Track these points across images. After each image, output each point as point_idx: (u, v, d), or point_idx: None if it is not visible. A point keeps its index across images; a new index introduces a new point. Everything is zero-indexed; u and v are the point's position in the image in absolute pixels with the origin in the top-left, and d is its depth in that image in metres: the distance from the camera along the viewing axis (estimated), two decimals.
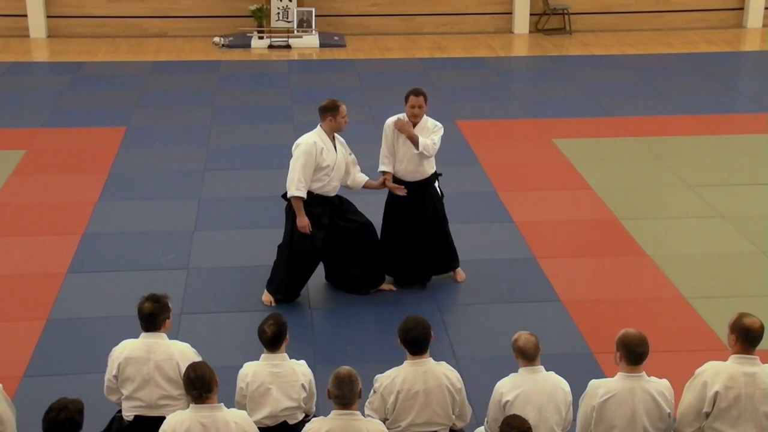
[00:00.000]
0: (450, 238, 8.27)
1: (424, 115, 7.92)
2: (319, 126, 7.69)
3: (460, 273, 8.38)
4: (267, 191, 10.17)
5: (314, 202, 7.68)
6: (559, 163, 11.27)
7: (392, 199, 8.10)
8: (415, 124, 7.88)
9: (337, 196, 7.87)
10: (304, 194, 7.57)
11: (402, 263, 8.18)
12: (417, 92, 7.83)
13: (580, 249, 9.10)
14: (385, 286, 8.17)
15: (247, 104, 13.72)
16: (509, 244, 9.09)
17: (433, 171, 8.07)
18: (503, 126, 12.79)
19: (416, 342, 5.52)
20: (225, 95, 14.13)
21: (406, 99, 7.86)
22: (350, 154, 7.92)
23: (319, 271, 8.11)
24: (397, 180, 8.00)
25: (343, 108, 7.64)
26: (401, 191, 7.92)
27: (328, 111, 7.61)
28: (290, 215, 7.76)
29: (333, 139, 7.72)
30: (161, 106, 13.58)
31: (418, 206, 8.02)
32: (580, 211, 9.93)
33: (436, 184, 8.12)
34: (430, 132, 7.89)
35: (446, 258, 8.29)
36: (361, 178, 7.98)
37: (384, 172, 7.98)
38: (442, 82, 14.60)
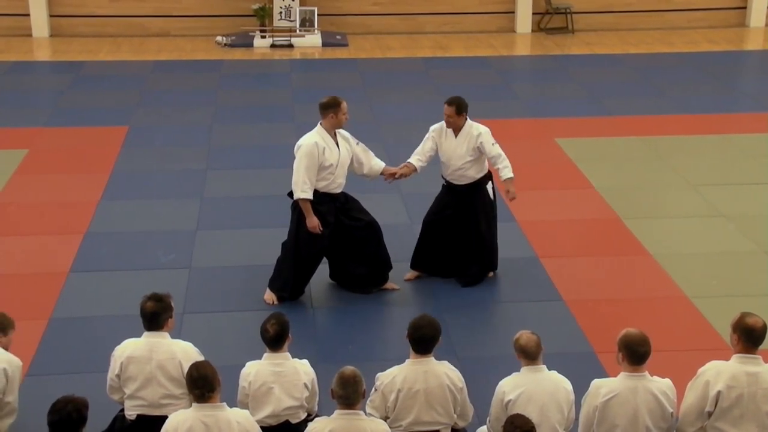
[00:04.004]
0: (494, 241, 8.26)
1: (468, 121, 7.95)
2: (319, 124, 7.67)
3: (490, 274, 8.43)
4: (269, 190, 10.19)
5: (320, 200, 7.68)
6: (561, 163, 11.27)
7: (444, 194, 8.17)
8: (456, 131, 7.95)
9: (343, 194, 7.87)
10: (310, 195, 7.57)
11: (436, 258, 8.22)
12: (449, 101, 7.92)
13: (583, 248, 9.10)
14: (389, 285, 8.17)
15: (249, 103, 13.72)
16: (512, 243, 9.07)
17: (482, 174, 8.08)
18: (505, 125, 12.74)
19: (422, 341, 5.52)
20: (227, 94, 14.13)
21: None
22: (358, 143, 7.90)
23: (322, 270, 8.11)
24: (448, 183, 8.11)
25: (344, 104, 7.63)
26: (390, 179, 8.01)
27: (330, 108, 7.60)
28: (296, 213, 7.75)
29: (335, 135, 7.71)
30: (163, 105, 13.58)
31: (466, 206, 8.07)
32: (582, 211, 9.93)
33: (490, 186, 8.15)
34: (474, 139, 7.89)
35: (487, 260, 8.26)
36: (378, 165, 7.97)
37: (409, 163, 8.03)
38: (443, 82, 14.58)
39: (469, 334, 7.55)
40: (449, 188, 8.14)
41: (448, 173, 8.07)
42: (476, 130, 7.93)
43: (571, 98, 13.97)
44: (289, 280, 7.87)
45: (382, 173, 8.01)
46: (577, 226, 9.58)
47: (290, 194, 7.74)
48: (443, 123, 8.01)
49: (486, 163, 8.11)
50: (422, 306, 7.69)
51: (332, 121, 7.62)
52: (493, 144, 7.92)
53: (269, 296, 7.95)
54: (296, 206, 7.74)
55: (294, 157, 7.64)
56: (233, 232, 9.34)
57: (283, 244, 7.93)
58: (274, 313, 5.82)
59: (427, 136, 8.09)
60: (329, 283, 8.24)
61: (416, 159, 8.04)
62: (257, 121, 12.87)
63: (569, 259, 8.82)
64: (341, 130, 7.80)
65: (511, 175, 7.93)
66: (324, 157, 7.57)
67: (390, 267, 8.13)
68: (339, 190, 7.80)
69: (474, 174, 8.04)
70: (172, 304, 5.79)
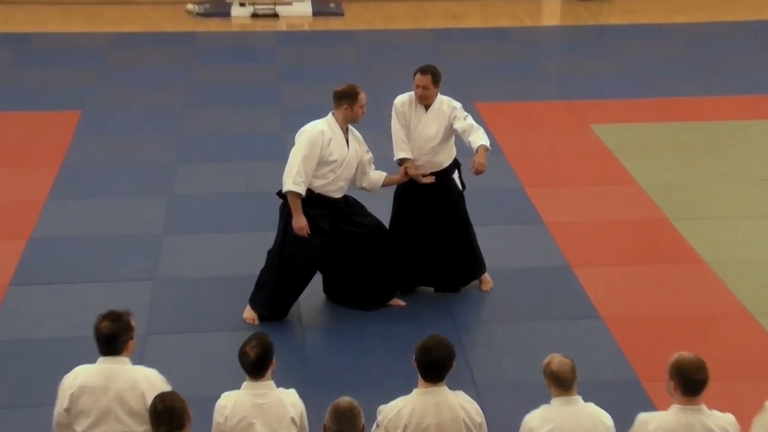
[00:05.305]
0: (474, 240, 8.29)
1: (439, 95, 7.94)
2: (330, 114, 7.72)
3: (487, 280, 8.41)
4: (250, 187, 10.20)
5: (313, 202, 7.68)
6: (597, 153, 11.27)
7: (403, 193, 8.13)
8: (427, 107, 7.91)
9: (344, 197, 7.88)
10: (302, 190, 7.57)
11: (413, 270, 8.22)
12: (423, 70, 7.90)
13: (624, 255, 9.09)
14: (394, 302, 8.18)
15: (227, 84, 13.73)
16: (538, 249, 9.08)
17: (451, 161, 8.09)
18: (531, 109, 12.78)
19: (434, 365, 5.48)
20: (200, 73, 14.15)
21: (414, 77, 7.90)
22: (367, 152, 7.95)
23: (314, 282, 8.08)
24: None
25: (363, 96, 7.68)
26: (428, 179, 7.95)
27: (345, 98, 7.64)
28: (284, 216, 7.76)
29: (346, 131, 7.74)
30: (124, 85, 13.59)
31: (434, 203, 8.05)
32: (623, 211, 9.92)
33: (456, 175, 8.13)
34: (447, 117, 7.90)
35: (470, 264, 8.31)
36: (377, 176, 8.01)
37: (403, 160, 7.99)
38: (457, 58, 14.59)
39: (489, 357, 7.54)
40: (409, 182, 8.06)
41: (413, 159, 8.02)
42: (449, 104, 7.96)
43: (610, 77, 13.96)
44: (270, 295, 7.87)
45: (385, 184, 8.05)
46: (618, 229, 9.56)
47: (280, 193, 7.74)
48: (411, 96, 7.99)
49: (454, 147, 8.12)
50: (433, 324, 7.64)
51: (345, 114, 7.67)
52: (466, 117, 7.93)
53: (249, 314, 7.94)
54: (285, 208, 7.73)
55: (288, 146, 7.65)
56: (208, 237, 9.33)
57: (269, 253, 7.93)
58: (256, 333, 5.79)
59: (394, 114, 8.03)
60: (322, 298, 8.22)
61: (407, 148, 7.98)
62: (236, 105, 12.86)
63: (608, 268, 8.82)
64: (355, 130, 7.85)
65: (488, 142, 7.85)
66: (328, 149, 7.60)
67: (398, 280, 8.15)
68: (339, 195, 7.81)
69: (442, 160, 8.04)
70: (133, 323, 5.74)
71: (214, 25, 16.55)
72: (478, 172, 7.79)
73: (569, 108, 12.73)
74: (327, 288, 8.21)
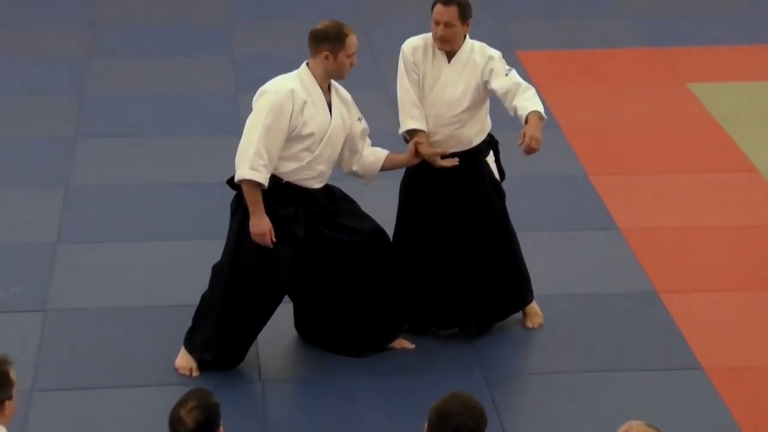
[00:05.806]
0: (517, 254, 8.33)
1: (468, 40, 7.97)
2: (305, 65, 7.75)
3: (535, 313, 8.45)
4: (187, 174, 10.31)
5: (282, 196, 7.71)
6: (697, 125, 11.35)
7: (413, 183, 8.19)
8: (450, 56, 7.94)
9: (327, 188, 7.91)
10: (263, 178, 7.58)
11: (426, 298, 8.25)
12: (446, 0, 7.88)
13: (735, 277, 9.15)
14: (398, 343, 8.22)
15: (153, 23, 13.83)
16: (611, 266, 9.16)
17: (483, 137, 8.12)
18: (600, 61, 12.81)
19: None
20: (113, 7, 14.26)
21: (432, 11, 7.92)
22: (360, 120, 7.98)
23: (281, 313, 8.10)
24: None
25: (353, 39, 7.68)
26: (449, 161, 7.96)
27: (326, 41, 7.65)
28: (239, 214, 7.77)
29: (328, 89, 7.77)
30: (3, 26, 13.69)
31: (458, 198, 8.09)
32: (735, 211, 10.00)
33: (491, 158, 8.18)
34: (480, 71, 7.91)
35: (510, 289, 8.33)
36: (375, 156, 8.03)
37: (412, 132, 8.02)
38: None
39: (535, 425, 7.58)
40: (423, 167, 8.10)
41: (427, 131, 8.06)
42: (484, 52, 7.98)
43: (716, 13, 14.07)
44: (216, 333, 7.87)
45: (385, 167, 8.07)
46: (726, 239, 9.63)
47: (231, 182, 7.76)
48: (427, 39, 8.03)
49: (488, 117, 8.17)
50: (454, 377, 7.72)
51: (326, 65, 7.68)
52: (508, 71, 7.93)
53: (185, 361, 7.95)
54: (240, 204, 7.75)
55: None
56: (123, 248, 9.41)
57: (214, 270, 7.95)
58: (194, 390, 5.78)
59: (402, 66, 8.07)
60: (291, 337, 8.28)
61: (418, 115, 8.00)
62: (166, 54, 12.99)
63: (711, 295, 8.89)
64: (342, 89, 7.89)
65: (541, 108, 7.82)
66: (302, 117, 7.61)
67: (405, 312, 8.18)
68: (318, 185, 7.84)
69: (471, 135, 8.08)
70: (13, 375, 5.74)
71: None
72: (529, 150, 7.71)
73: (656, 59, 12.82)
74: (299, 323, 8.25)
